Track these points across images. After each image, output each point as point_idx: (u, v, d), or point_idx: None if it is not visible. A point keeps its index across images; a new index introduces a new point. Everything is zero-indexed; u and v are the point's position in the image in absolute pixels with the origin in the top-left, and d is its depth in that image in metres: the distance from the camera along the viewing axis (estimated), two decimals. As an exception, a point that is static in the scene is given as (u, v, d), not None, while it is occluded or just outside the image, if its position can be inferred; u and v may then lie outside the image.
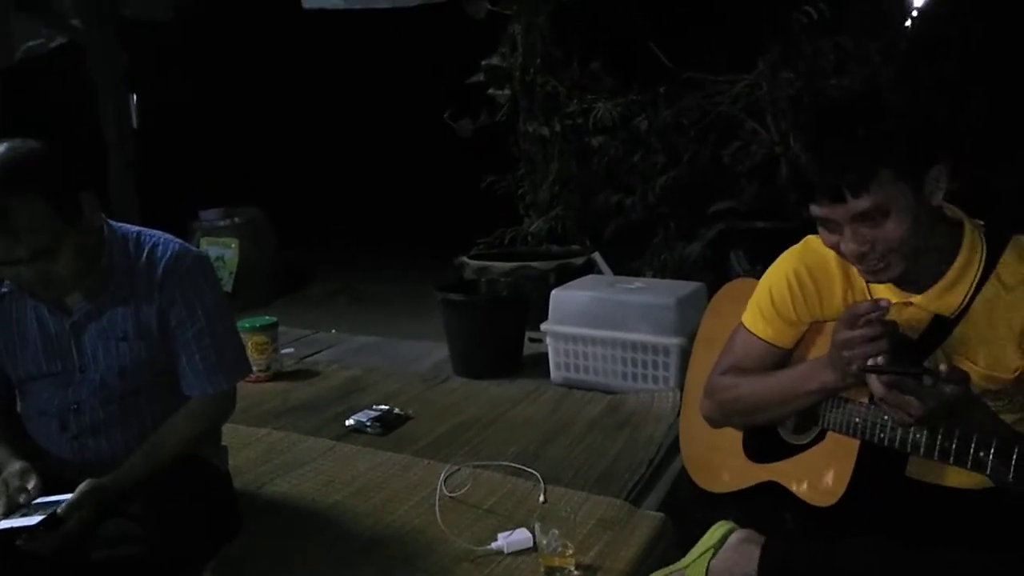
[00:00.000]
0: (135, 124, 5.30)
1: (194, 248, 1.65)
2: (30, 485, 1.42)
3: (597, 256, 3.97)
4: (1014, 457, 1.11)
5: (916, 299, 1.30)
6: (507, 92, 4.46)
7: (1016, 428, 1.28)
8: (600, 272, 3.87)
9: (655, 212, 4.20)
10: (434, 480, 2.00)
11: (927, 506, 1.31)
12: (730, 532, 1.49)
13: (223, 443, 1.83)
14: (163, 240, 1.60)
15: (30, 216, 1.35)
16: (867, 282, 1.33)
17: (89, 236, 1.49)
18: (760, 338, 1.47)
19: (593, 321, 2.85)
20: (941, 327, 1.28)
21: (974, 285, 1.26)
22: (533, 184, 4.55)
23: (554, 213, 4.43)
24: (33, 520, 1.35)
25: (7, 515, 1.38)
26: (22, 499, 1.40)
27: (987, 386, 1.27)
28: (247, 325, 2.98)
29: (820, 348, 1.43)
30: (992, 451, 1.13)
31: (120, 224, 1.61)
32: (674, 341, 2.66)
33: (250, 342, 2.96)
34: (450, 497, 1.93)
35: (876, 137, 1.16)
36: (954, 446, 1.18)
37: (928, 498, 1.32)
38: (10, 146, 1.38)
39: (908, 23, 4.09)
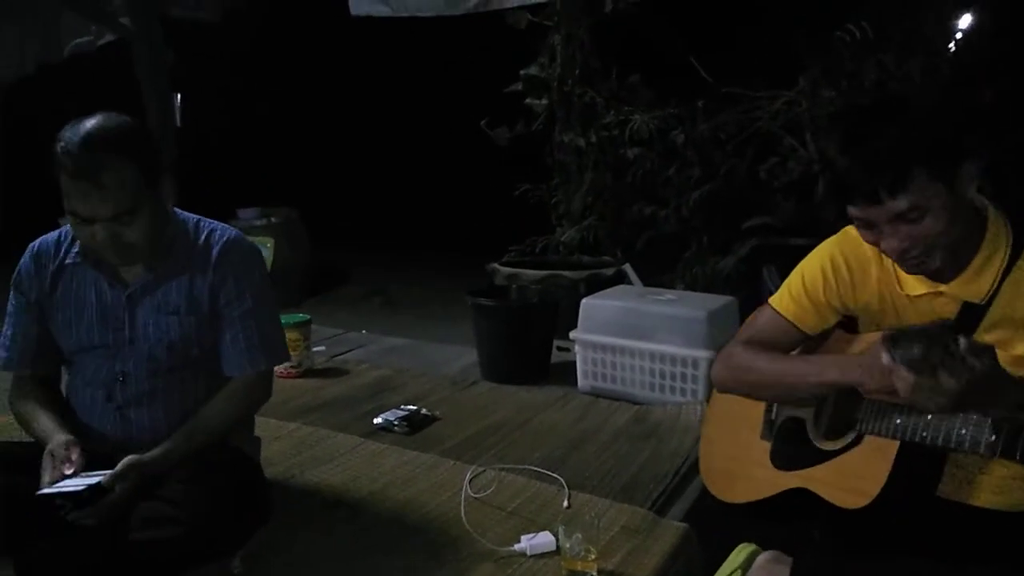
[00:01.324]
0: (178, 122, 5.41)
1: (247, 237, 1.74)
2: (74, 456, 1.47)
3: (628, 267, 3.98)
4: None
5: (944, 288, 1.31)
6: (544, 102, 4.49)
7: None
8: (630, 283, 3.87)
9: (688, 225, 4.19)
10: (459, 480, 2.01)
11: (956, 525, 1.30)
12: (754, 554, 1.48)
13: (255, 434, 1.87)
14: (221, 227, 1.72)
15: (120, 177, 1.46)
16: (908, 273, 1.34)
17: (162, 210, 1.60)
18: (783, 315, 1.50)
19: (622, 331, 2.85)
20: (971, 314, 1.29)
21: (1001, 271, 1.27)
22: (567, 194, 4.57)
23: (586, 223, 4.44)
24: (79, 486, 1.40)
25: (52, 485, 1.43)
26: (67, 470, 1.45)
27: (1018, 371, 1.26)
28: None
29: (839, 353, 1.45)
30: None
31: (181, 211, 1.71)
32: (703, 354, 2.65)
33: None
34: (475, 498, 1.95)
35: (908, 137, 1.18)
36: (1001, 439, 1.17)
37: (958, 518, 1.31)
38: (110, 115, 1.50)
39: (951, 45, 4.06)
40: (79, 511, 1.39)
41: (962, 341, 1.08)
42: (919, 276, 1.34)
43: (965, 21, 4.04)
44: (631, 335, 2.83)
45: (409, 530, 1.80)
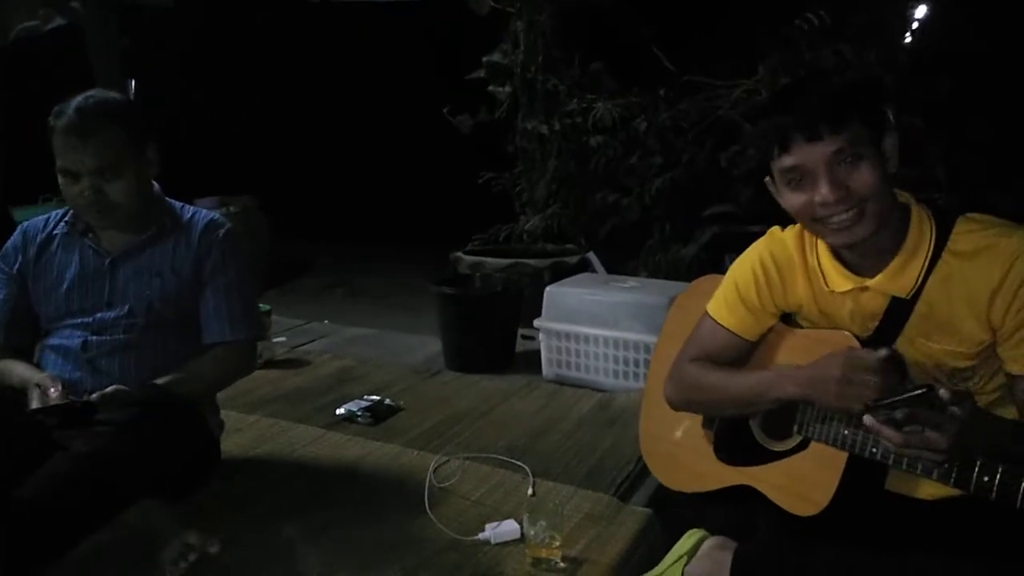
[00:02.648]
0: (132, 109, 5.26)
1: (226, 219, 1.88)
2: (59, 386, 1.58)
3: (592, 255, 3.99)
4: (996, 478, 1.10)
5: (871, 283, 1.31)
6: (507, 89, 4.47)
7: (991, 410, 1.29)
8: (594, 271, 3.89)
9: (651, 213, 4.22)
10: (423, 470, 2.00)
11: (903, 517, 1.32)
12: (703, 540, 1.49)
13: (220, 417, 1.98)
14: (203, 209, 1.88)
15: (107, 134, 1.63)
16: (835, 246, 1.33)
17: (147, 174, 1.75)
18: (724, 327, 1.49)
19: (586, 319, 2.86)
20: (900, 309, 1.30)
21: (927, 263, 1.27)
22: (530, 182, 4.56)
23: (550, 211, 4.44)
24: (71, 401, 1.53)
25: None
26: (53, 394, 1.56)
27: (955, 364, 1.29)
28: (240, 312, 2.98)
29: (785, 352, 1.45)
30: (998, 476, 1.11)
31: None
32: (666, 341, 2.67)
33: (243, 329, 2.96)
34: (439, 487, 1.94)
35: (847, 88, 1.25)
36: (954, 469, 1.15)
37: (904, 510, 1.32)
38: (103, 89, 1.73)
39: (908, 36, 4.13)
40: (67, 427, 1.50)
41: (943, 393, 1.07)
42: (844, 272, 1.34)
43: (921, 11, 4.11)
44: (594, 323, 2.84)
45: (372, 521, 1.78)
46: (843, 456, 1.31)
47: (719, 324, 1.50)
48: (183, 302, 1.79)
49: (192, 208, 1.87)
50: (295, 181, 7.62)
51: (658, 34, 4.27)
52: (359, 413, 2.47)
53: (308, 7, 4.45)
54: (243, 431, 2.31)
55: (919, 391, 1.07)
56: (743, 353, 1.50)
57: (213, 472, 1.89)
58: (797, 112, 1.24)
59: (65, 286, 1.77)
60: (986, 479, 1.11)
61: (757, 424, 1.51)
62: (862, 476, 1.30)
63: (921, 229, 1.29)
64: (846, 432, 1.29)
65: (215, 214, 1.87)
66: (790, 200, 1.29)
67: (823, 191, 1.22)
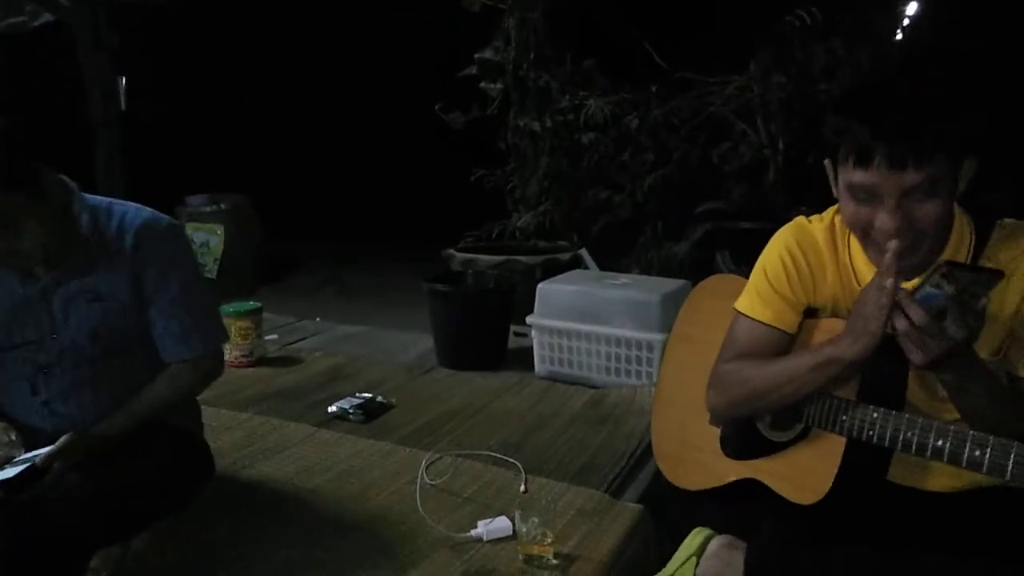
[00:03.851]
0: (123, 106, 5.25)
1: (164, 216, 1.64)
2: (12, 436, 1.47)
3: (584, 252, 3.99)
4: (1011, 457, 1.07)
5: (906, 285, 1.24)
6: (499, 86, 4.46)
7: None
8: (587, 268, 3.89)
9: (643, 210, 4.22)
10: (415, 468, 2.00)
11: (908, 510, 1.30)
12: (709, 539, 1.48)
13: (201, 420, 1.86)
14: (133, 209, 1.61)
15: None
16: (876, 264, 1.26)
17: (51, 207, 1.50)
18: (760, 322, 1.41)
19: (578, 315, 2.86)
20: None
21: None
22: (522, 179, 4.55)
23: (543, 208, 4.44)
24: (12, 472, 1.39)
25: None
26: (2, 452, 1.46)
27: None
28: (230, 310, 2.97)
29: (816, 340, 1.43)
30: (989, 449, 1.09)
31: (91, 196, 1.61)
32: (657, 337, 2.68)
33: (233, 327, 2.95)
34: (431, 484, 1.93)
35: (946, 111, 1.11)
36: (948, 445, 1.14)
37: (909, 502, 1.31)
38: None
39: (899, 33, 4.14)
40: (16, 494, 1.38)
41: (983, 301, 1.06)
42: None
43: (912, 8, 4.12)
44: (587, 319, 2.84)
45: (363, 519, 1.77)
46: (841, 443, 1.30)
47: (755, 320, 1.41)
48: (130, 325, 1.59)
49: (121, 209, 1.60)
50: (287, 178, 7.59)
51: (650, 31, 4.27)
52: (351, 411, 2.46)
53: (299, 4, 4.43)
54: (234, 429, 2.30)
55: (991, 272, 1.07)
56: (782, 348, 1.41)
57: (209, 477, 1.81)
58: (885, 130, 1.11)
59: (2, 320, 1.56)
60: (977, 454, 1.10)
61: (761, 417, 1.51)
62: (862, 464, 1.28)
63: (961, 236, 1.26)
64: (844, 417, 1.28)
65: (146, 214, 1.61)
66: (846, 207, 1.22)
67: (885, 220, 1.14)
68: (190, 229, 5.34)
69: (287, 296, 5.01)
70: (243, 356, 2.97)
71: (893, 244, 1.11)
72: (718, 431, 1.57)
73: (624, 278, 3.10)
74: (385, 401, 2.57)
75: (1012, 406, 1.18)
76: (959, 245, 1.25)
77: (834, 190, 1.28)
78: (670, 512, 1.75)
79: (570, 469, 2.11)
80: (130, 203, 1.63)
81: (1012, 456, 1.07)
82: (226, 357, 2.91)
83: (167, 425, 1.66)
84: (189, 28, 6.95)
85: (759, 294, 1.41)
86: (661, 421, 1.76)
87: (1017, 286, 1.21)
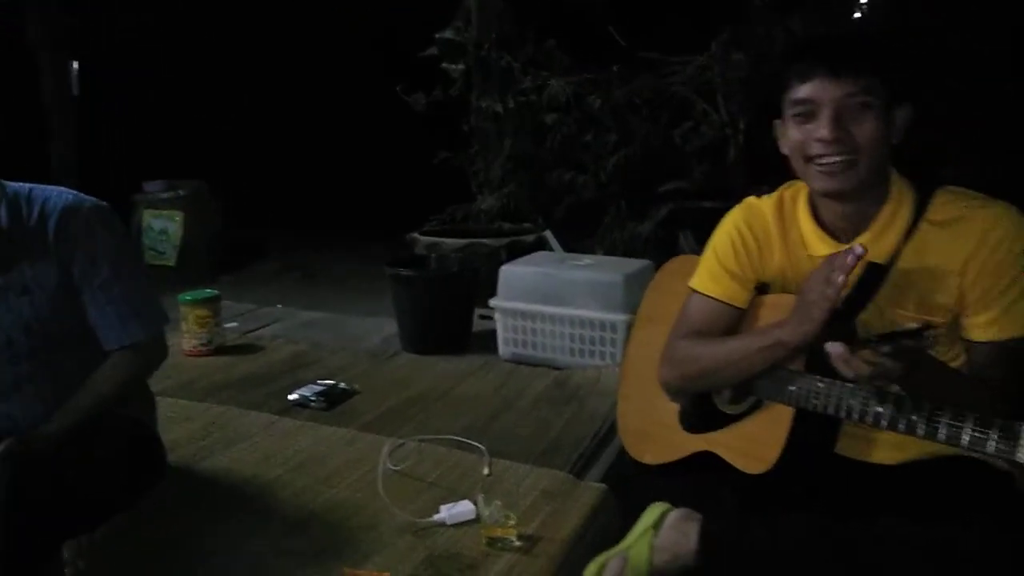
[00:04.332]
0: (76, 91, 5.12)
1: (89, 198, 1.57)
2: None
3: (548, 234, 3.98)
4: (944, 418, 1.12)
5: (848, 248, 1.31)
6: (461, 67, 4.41)
7: None
8: (551, 250, 3.88)
9: (606, 191, 4.22)
10: (378, 454, 1.97)
11: (854, 481, 1.33)
12: (666, 512, 1.49)
13: (156, 414, 1.80)
14: (55, 194, 1.54)
15: None
16: (819, 191, 1.33)
17: None
18: (711, 297, 1.48)
19: (541, 297, 2.86)
20: (874, 276, 1.31)
21: (904, 232, 1.29)
22: (486, 161, 4.53)
23: (506, 190, 4.42)
24: None
25: None
26: None
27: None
28: (188, 298, 2.92)
29: (764, 318, 1.46)
30: (927, 413, 1.14)
31: (12, 183, 1.55)
32: (621, 317, 2.68)
33: (191, 316, 2.90)
34: (394, 470, 1.92)
35: (888, 42, 1.25)
36: (887, 412, 1.19)
37: (856, 473, 1.34)
38: None
39: (857, 13, 4.17)
40: None
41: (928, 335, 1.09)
42: (824, 237, 1.35)
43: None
44: (550, 301, 2.84)
45: (324, 508, 1.75)
46: (789, 413, 1.34)
47: (705, 295, 1.49)
48: (64, 316, 1.52)
49: (42, 195, 1.52)
50: (248, 163, 7.45)
51: (611, 10, 4.25)
52: (313, 398, 2.43)
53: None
54: (192, 420, 2.26)
55: (913, 328, 1.09)
56: (733, 323, 1.49)
57: (161, 473, 1.73)
58: (825, 46, 1.27)
59: None
60: (914, 418, 1.15)
61: (716, 391, 1.53)
62: (810, 435, 1.32)
63: (901, 197, 1.31)
64: (791, 388, 1.32)
65: (69, 197, 1.53)
66: (791, 135, 1.30)
67: (823, 128, 1.23)
68: (148, 216, 5.23)
69: (248, 283, 4.93)
70: (201, 345, 2.92)
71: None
72: (676, 407, 1.59)
73: (587, 259, 3.10)
74: (348, 388, 2.54)
75: (976, 395, 1.21)
76: (899, 206, 1.31)
77: (781, 143, 1.35)
78: (634, 490, 1.76)
79: (534, 451, 2.11)
80: (53, 188, 1.56)
81: (942, 421, 1.12)
82: (183, 346, 2.90)
83: (118, 418, 1.60)
84: (145, 10, 6.78)
85: (710, 272, 1.48)
86: (626, 398, 1.77)
87: (959, 245, 1.26)
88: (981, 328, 1.26)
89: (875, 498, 1.26)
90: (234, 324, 3.36)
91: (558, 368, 2.79)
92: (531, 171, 4.44)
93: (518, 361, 2.90)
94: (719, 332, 1.47)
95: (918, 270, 1.29)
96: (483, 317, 3.25)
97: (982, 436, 1.08)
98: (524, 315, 2.89)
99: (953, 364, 1.33)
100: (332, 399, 2.44)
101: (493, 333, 3.02)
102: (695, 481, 1.51)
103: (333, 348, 3.05)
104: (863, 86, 1.21)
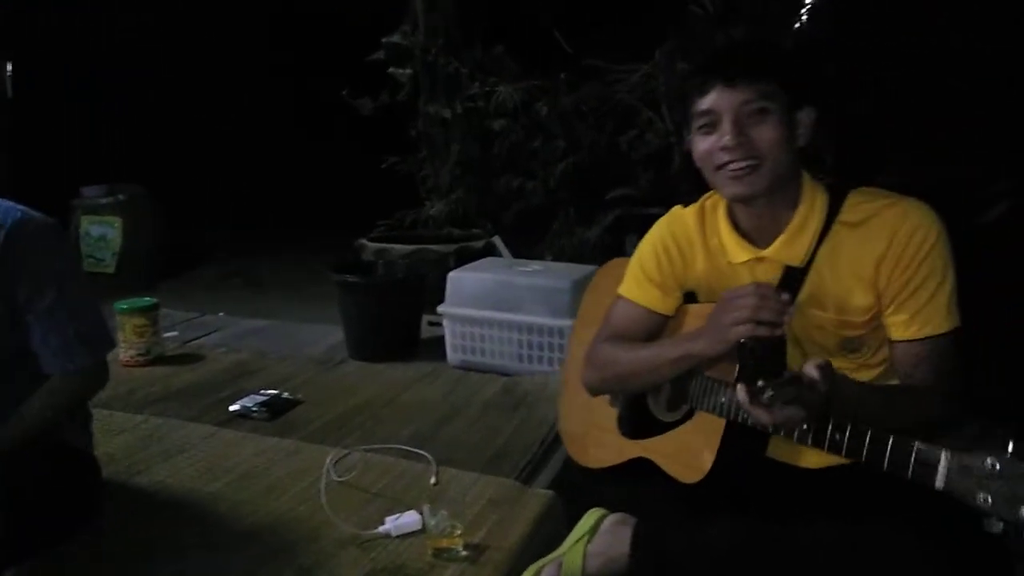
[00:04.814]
0: (9, 93, 4.95)
1: (37, 214, 1.50)
2: None
3: (497, 240, 3.97)
4: (866, 438, 1.11)
5: (765, 252, 1.36)
6: (408, 71, 4.38)
7: (880, 380, 1.34)
8: (500, 256, 3.87)
9: (555, 197, 4.23)
10: (321, 465, 1.94)
11: (785, 485, 1.35)
12: (603, 518, 1.50)
13: (92, 429, 1.72)
14: (2, 209, 1.46)
15: None
16: (730, 198, 1.35)
17: None
18: (634, 302, 1.52)
19: (490, 303, 2.85)
20: (792, 280, 1.33)
21: (817, 234, 1.32)
22: (434, 167, 4.50)
23: (455, 196, 4.40)
24: None
25: None
26: None
27: (844, 334, 1.33)
28: (124, 307, 2.83)
29: (686, 326, 1.48)
30: (847, 434, 1.14)
31: None
32: (569, 323, 2.68)
33: (128, 325, 2.81)
34: (338, 482, 1.88)
35: (777, 45, 1.28)
36: (811, 430, 1.17)
37: (786, 477, 1.36)
38: None
39: (797, 23, 4.26)
40: None
41: (809, 371, 1.09)
42: (742, 243, 1.38)
43: (809, -2, 4.25)
44: (498, 307, 2.83)
45: (266, 521, 1.71)
46: (721, 423, 1.35)
47: (629, 301, 1.52)
48: (7, 340, 1.46)
49: None
50: (191, 166, 7.27)
51: (558, 18, 4.27)
52: (255, 408, 2.38)
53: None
54: (128, 432, 2.19)
55: (788, 376, 1.10)
56: (656, 328, 1.52)
57: (97, 509, 1.67)
58: (719, 57, 1.31)
59: None
60: (837, 437, 1.14)
61: (652, 397, 1.54)
62: (741, 443, 1.33)
63: (814, 200, 1.34)
64: (723, 400, 1.33)
65: (17, 213, 1.46)
66: (699, 146, 1.32)
67: (725, 135, 1.26)
68: (86, 222, 5.08)
69: (190, 290, 4.81)
70: (139, 355, 2.83)
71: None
72: (616, 412, 1.60)
73: (536, 265, 3.10)
74: (291, 397, 2.49)
75: (898, 406, 1.24)
76: (811, 209, 1.34)
77: (695, 160, 1.37)
78: (582, 496, 1.76)
79: (481, 458, 2.09)
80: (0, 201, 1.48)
81: (867, 440, 1.11)
82: (120, 356, 2.81)
83: (50, 442, 1.53)
84: (82, 10, 6.57)
85: (635, 279, 1.53)
86: (567, 402, 1.78)
87: (872, 245, 1.28)
88: (901, 327, 1.28)
89: (806, 501, 1.28)
90: (174, 333, 3.27)
91: (507, 375, 2.78)
92: (480, 177, 4.43)
93: (467, 368, 2.88)
94: (641, 337, 1.50)
95: (834, 272, 1.31)
96: (432, 324, 3.22)
97: (903, 461, 1.06)
98: (472, 321, 2.88)
99: (883, 367, 1.35)
100: (275, 409, 2.39)
101: (442, 340, 3.00)
102: (634, 485, 1.52)
103: (277, 357, 2.99)
104: (759, 92, 1.25)
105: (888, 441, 1.08)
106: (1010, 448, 0.94)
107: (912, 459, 1.04)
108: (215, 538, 1.65)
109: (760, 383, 1.09)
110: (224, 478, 1.92)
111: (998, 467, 0.94)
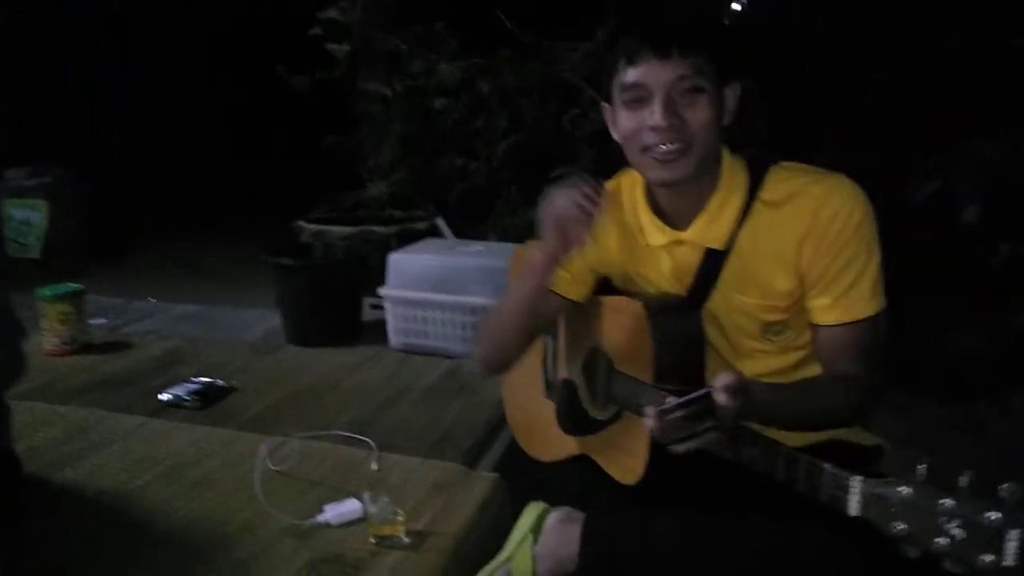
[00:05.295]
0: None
1: None
2: None
3: (440, 221, 3.91)
4: (779, 457, 1.09)
5: (685, 235, 1.31)
6: (346, 48, 4.26)
7: (801, 369, 1.33)
8: (443, 237, 3.82)
9: (498, 176, 4.19)
10: (257, 455, 1.87)
11: (726, 480, 1.31)
12: (544, 513, 1.46)
13: (10, 423, 1.63)
14: None
15: None
16: (654, 181, 1.30)
17: None
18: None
19: (432, 285, 2.79)
20: (714, 262, 1.29)
21: (738, 215, 1.27)
22: (375, 146, 4.40)
23: (396, 177, 4.32)
24: None
25: None
26: None
27: (767, 318, 1.30)
28: (47, 293, 2.68)
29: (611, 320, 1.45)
30: (761, 447, 1.11)
31: None
32: (513, 304, 2.66)
33: (51, 312, 2.67)
34: (275, 471, 1.82)
35: (714, 19, 1.23)
36: (729, 444, 1.15)
37: (726, 472, 1.31)
38: None
39: (735, 3, 4.29)
40: None
41: (719, 398, 1.03)
42: (661, 226, 1.33)
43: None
44: (441, 288, 2.78)
45: (199, 514, 1.64)
46: None
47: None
48: None
49: None
50: (121, 146, 6.98)
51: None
52: (187, 397, 2.28)
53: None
54: (52, 424, 2.08)
55: (698, 394, 1.06)
56: (555, 307, 1.47)
57: (19, 501, 1.60)
58: (653, 27, 1.21)
59: None
60: (753, 452, 1.12)
61: (585, 392, 1.51)
62: None
63: (734, 178, 1.29)
64: (642, 402, 1.27)
65: None
66: (623, 123, 1.25)
67: (656, 115, 1.19)
68: (10, 207, 4.85)
69: (121, 276, 4.63)
70: (63, 344, 2.69)
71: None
72: (552, 404, 1.57)
73: (479, 245, 3.06)
74: (226, 384, 2.40)
75: (820, 401, 1.21)
76: (732, 187, 1.29)
77: (613, 130, 1.31)
78: (525, 476, 1.74)
79: (425, 442, 2.05)
80: None
81: (780, 459, 1.09)
82: (44, 346, 2.67)
83: None
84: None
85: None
86: (509, 391, 1.76)
87: (793, 225, 1.23)
88: (824, 311, 1.24)
89: (747, 495, 1.25)
90: (102, 320, 3.13)
91: (451, 357, 2.74)
92: (421, 157, 4.35)
93: (410, 351, 2.83)
94: (542, 313, 1.46)
95: (756, 254, 1.27)
96: (374, 307, 3.15)
97: (815, 484, 1.04)
98: (415, 303, 2.82)
99: (807, 351, 1.32)
100: (208, 397, 2.30)
101: (384, 323, 2.93)
102: (581, 478, 1.49)
103: (210, 342, 2.89)
104: (694, 68, 1.18)
105: (799, 462, 1.05)
106: (921, 473, 0.91)
107: (824, 484, 1.02)
108: (145, 534, 1.57)
109: (670, 406, 1.05)
110: (154, 471, 1.83)
111: (910, 495, 0.90)
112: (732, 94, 1.25)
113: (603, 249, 1.41)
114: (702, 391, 1.06)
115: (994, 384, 3.20)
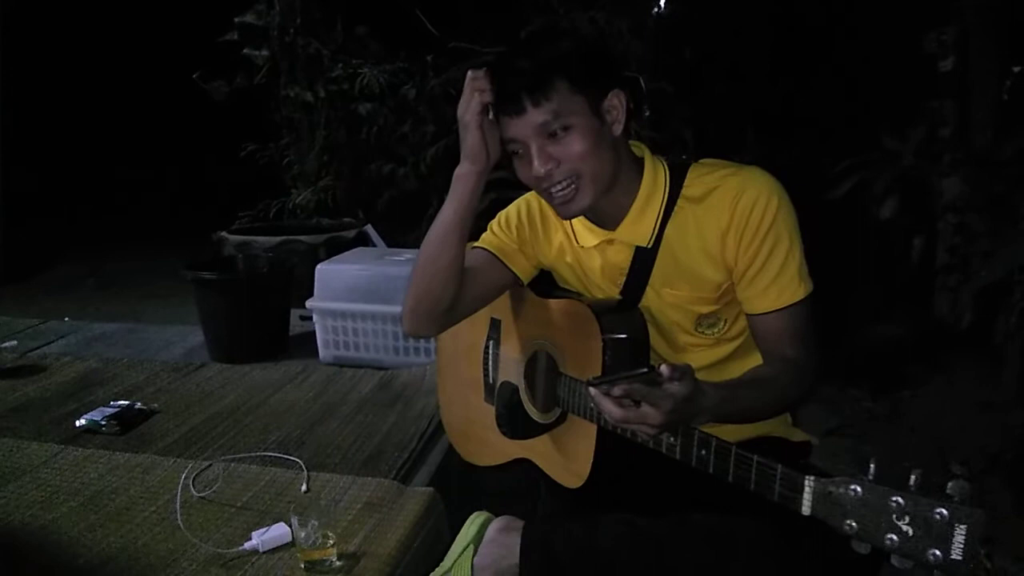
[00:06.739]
0: None
1: None
2: None
3: (369, 229, 3.86)
4: (731, 458, 1.09)
5: (613, 235, 1.35)
6: (265, 53, 4.16)
7: (737, 360, 1.35)
8: (373, 245, 3.76)
9: (428, 183, 4.15)
10: (179, 481, 1.80)
11: (667, 478, 1.32)
12: (487, 523, 1.45)
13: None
14: None
15: None
16: (563, 217, 1.35)
17: None
18: (484, 248, 1.50)
19: (362, 296, 2.74)
20: (644, 260, 1.33)
21: (662, 209, 1.31)
22: (299, 153, 4.32)
23: (323, 184, 4.24)
24: None
25: None
26: None
27: (699, 310, 1.33)
28: (-52, 318, 2.53)
29: (529, 319, 1.46)
30: (712, 449, 1.11)
31: None
32: (444, 313, 2.63)
33: (-47, 337, 2.52)
34: (198, 497, 1.75)
35: (554, 52, 1.21)
36: (678, 443, 1.15)
37: (667, 470, 1.32)
38: None
39: (656, 9, 4.36)
40: None
41: (663, 370, 1.04)
42: (591, 227, 1.37)
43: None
44: (371, 299, 2.73)
45: (117, 547, 1.56)
46: (595, 427, 1.32)
47: (482, 247, 1.50)
48: None
49: None
50: (33, 156, 6.66)
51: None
52: (104, 422, 2.18)
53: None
54: (-43, 458, 1.95)
55: (641, 371, 1.06)
56: (503, 282, 1.49)
57: None
58: (501, 86, 1.23)
59: None
60: (703, 453, 1.12)
61: (526, 395, 1.50)
62: (617, 442, 1.30)
63: (655, 178, 1.32)
64: (592, 405, 1.26)
65: None
66: (518, 172, 1.29)
67: (535, 165, 1.22)
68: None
69: (35, 294, 4.42)
70: (-32, 370, 2.55)
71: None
72: (491, 407, 1.56)
73: (408, 254, 3.02)
74: (145, 407, 2.30)
75: (769, 393, 1.22)
76: (653, 187, 1.32)
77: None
78: (462, 488, 1.71)
79: (357, 459, 2.00)
80: None
81: (731, 461, 1.09)
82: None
83: None
84: None
85: (491, 229, 1.52)
86: (445, 397, 1.74)
87: (715, 218, 1.27)
88: (755, 300, 1.27)
89: (687, 492, 1.26)
90: (12, 343, 2.95)
91: (383, 368, 2.69)
92: (348, 163, 4.29)
93: (340, 364, 2.77)
94: (484, 280, 1.47)
95: (683, 249, 1.31)
96: (304, 319, 3.08)
97: (767, 484, 1.04)
98: (344, 315, 2.76)
99: (741, 339, 1.36)
100: (127, 421, 2.20)
101: (313, 336, 2.87)
102: (518, 480, 1.49)
103: (129, 363, 2.76)
104: (552, 112, 1.20)
105: (752, 464, 1.06)
106: (872, 471, 0.93)
107: (776, 484, 1.02)
108: (62, 569, 1.49)
109: (609, 377, 1.06)
110: (69, 502, 1.74)
111: (861, 493, 0.93)
112: (616, 100, 1.25)
113: (549, 242, 1.46)
114: (644, 368, 1.07)
115: (915, 374, 3.34)
